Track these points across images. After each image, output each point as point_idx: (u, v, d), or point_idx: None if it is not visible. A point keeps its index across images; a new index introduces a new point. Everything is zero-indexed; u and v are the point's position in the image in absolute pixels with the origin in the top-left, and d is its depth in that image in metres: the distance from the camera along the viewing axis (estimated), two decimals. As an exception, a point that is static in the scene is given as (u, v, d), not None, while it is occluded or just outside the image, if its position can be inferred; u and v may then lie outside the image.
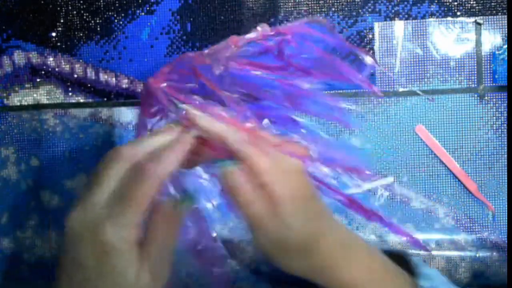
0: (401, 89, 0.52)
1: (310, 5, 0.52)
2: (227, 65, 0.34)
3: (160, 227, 0.30)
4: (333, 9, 0.52)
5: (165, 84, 0.34)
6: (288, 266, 0.33)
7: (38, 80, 0.55)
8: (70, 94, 0.55)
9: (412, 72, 0.52)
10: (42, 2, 0.54)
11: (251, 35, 0.35)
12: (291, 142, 0.33)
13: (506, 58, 0.50)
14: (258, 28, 0.35)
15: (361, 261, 0.34)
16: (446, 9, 0.51)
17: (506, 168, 0.51)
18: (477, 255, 0.51)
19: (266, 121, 0.36)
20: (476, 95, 0.51)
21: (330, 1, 0.52)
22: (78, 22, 0.54)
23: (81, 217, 0.29)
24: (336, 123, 0.43)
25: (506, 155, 0.51)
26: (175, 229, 0.31)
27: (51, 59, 0.55)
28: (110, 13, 0.54)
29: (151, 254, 0.29)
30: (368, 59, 0.36)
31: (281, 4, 0.52)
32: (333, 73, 0.36)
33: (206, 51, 0.35)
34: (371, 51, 0.52)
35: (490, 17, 0.51)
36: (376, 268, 0.35)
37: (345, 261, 0.33)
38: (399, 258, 0.38)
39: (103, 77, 0.54)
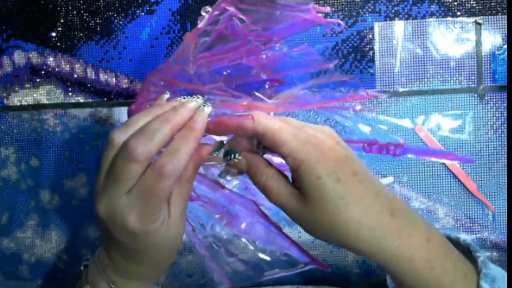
0: (401, 89, 0.52)
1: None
2: (196, 62, 0.35)
3: (184, 188, 0.34)
4: (333, 9, 0.52)
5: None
6: (329, 236, 0.31)
7: (38, 80, 0.55)
8: (70, 94, 0.55)
9: (412, 72, 0.52)
10: (42, 2, 0.54)
11: (201, 25, 0.36)
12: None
13: (506, 58, 0.50)
14: (203, 13, 0.36)
15: (416, 236, 0.30)
16: (446, 9, 0.51)
17: (506, 168, 0.51)
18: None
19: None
20: (476, 95, 0.51)
21: (330, 1, 0.52)
22: (78, 22, 0.54)
23: (107, 207, 0.31)
24: (317, 69, 0.43)
25: (506, 155, 0.51)
26: (192, 185, 0.34)
27: (51, 59, 0.55)
28: (110, 13, 0.54)
29: (178, 212, 0.33)
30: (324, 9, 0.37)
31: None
32: (289, 26, 0.36)
33: (170, 58, 0.36)
34: (371, 51, 0.52)
35: (490, 17, 0.51)
36: (434, 249, 0.30)
37: (394, 230, 0.30)
38: (464, 252, 0.34)
39: (103, 77, 0.54)
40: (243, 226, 0.37)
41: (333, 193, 0.29)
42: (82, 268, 0.38)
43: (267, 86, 0.38)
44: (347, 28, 0.52)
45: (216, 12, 0.36)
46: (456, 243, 0.35)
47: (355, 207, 0.30)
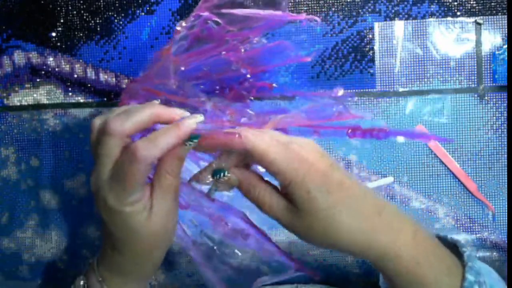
0: (401, 89, 0.52)
1: (310, 5, 0.52)
2: (177, 78, 0.35)
3: (164, 180, 0.34)
4: (333, 9, 0.52)
5: None
6: (322, 242, 0.33)
7: (38, 80, 0.55)
8: (70, 94, 0.55)
9: (412, 72, 0.52)
10: (42, 2, 0.54)
11: (176, 36, 0.36)
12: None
13: (506, 58, 0.50)
14: (178, 28, 0.36)
15: (403, 232, 0.32)
16: (446, 9, 0.51)
17: (506, 168, 0.51)
18: (477, 255, 0.51)
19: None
20: (476, 95, 0.51)
21: (330, 1, 0.52)
22: (78, 22, 0.54)
23: (93, 182, 0.34)
24: (294, 62, 0.43)
25: (506, 155, 0.51)
26: (177, 180, 0.34)
27: (51, 59, 0.55)
28: (110, 13, 0.54)
29: (160, 205, 0.34)
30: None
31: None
32: (266, 24, 0.37)
33: (150, 71, 0.37)
34: (371, 51, 0.52)
35: (490, 17, 0.51)
36: (420, 244, 0.32)
37: (383, 229, 0.32)
38: (451, 247, 0.35)
39: (103, 77, 0.54)
40: (231, 232, 0.37)
41: (323, 204, 0.31)
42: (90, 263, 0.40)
43: (248, 76, 0.39)
44: (347, 28, 0.52)
45: (192, 19, 0.36)
46: (444, 241, 0.36)
47: (346, 214, 0.31)
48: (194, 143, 0.32)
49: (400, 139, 0.37)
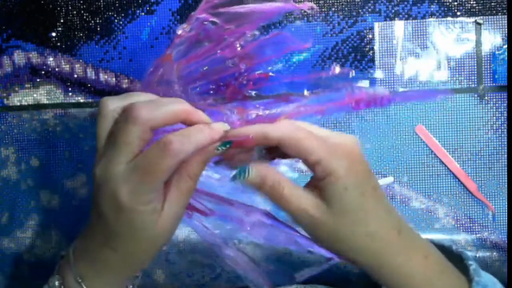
0: (401, 89, 0.52)
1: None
2: (178, 81, 0.35)
3: (184, 183, 0.31)
4: (333, 9, 0.52)
5: None
6: (342, 247, 0.31)
7: (38, 80, 0.55)
8: (70, 94, 0.55)
9: (411, 72, 0.52)
10: (42, 2, 0.54)
11: (176, 40, 0.36)
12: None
13: (506, 58, 0.50)
14: (179, 32, 0.36)
15: (416, 254, 0.31)
16: (446, 9, 0.51)
17: (506, 168, 0.51)
18: (477, 255, 0.51)
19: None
20: (476, 95, 0.51)
21: (330, 1, 0.52)
22: (78, 22, 0.54)
23: (103, 172, 0.30)
24: (293, 50, 0.43)
25: (506, 155, 0.51)
26: (196, 184, 0.32)
27: (51, 59, 0.55)
28: (110, 13, 0.54)
29: (172, 210, 0.31)
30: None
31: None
32: (259, 16, 0.37)
33: (152, 78, 0.36)
34: (371, 51, 0.52)
35: (490, 17, 0.51)
36: (431, 266, 0.32)
37: (399, 248, 0.31)
38: (455, 259, 0.35)
39: (103, 77, 0.54)
40: (248, 228, 0.37)
41: (357, 206, 0.30)
42: (60, 259, 0.36)
43: (243, 69, 0.38)
44: (347, 28, 0.52)
45: (192, 21, 0.36)
46: (449, 251, 0.35)
47: (375, 221, 0.30)
48: (224, 149, 0.30)
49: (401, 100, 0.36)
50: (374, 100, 0.35)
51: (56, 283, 0.34)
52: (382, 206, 0.31)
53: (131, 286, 0.38)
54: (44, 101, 0.55)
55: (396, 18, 0.52)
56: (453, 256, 0.35)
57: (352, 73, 0.37)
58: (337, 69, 0.37)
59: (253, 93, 0.39)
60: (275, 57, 0.39)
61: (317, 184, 0.31)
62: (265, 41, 0.38)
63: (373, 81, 0.52)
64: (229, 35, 0.37)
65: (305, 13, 0.52)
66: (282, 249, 0.39)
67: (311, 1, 0.52)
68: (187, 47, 0.36)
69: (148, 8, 0.53)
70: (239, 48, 0.37)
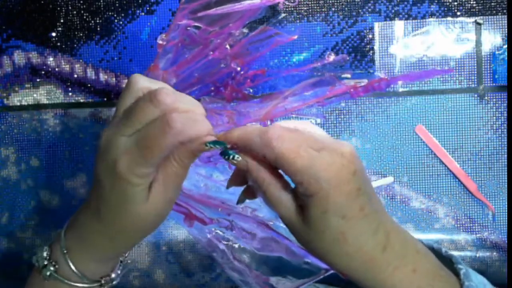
0: (401, 89, 0.52)
1: (310, 5, 0.52)
2: (174, 88, 0.35)
3: (170, 167, 0.32)
4: (333, 9, 0.52)
5: None
6: (320, 257, 0.32)
7: (38, 80, 0.55)
8: (70, 94, 0.55)
9: (411, 72, 0.52)
10: (42, 2, 0.54)
11: (159, 50, 0.36)
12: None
13: (506, 58, 0.50)
14: (159, 41, 0.36)
15: (402, 268, 0.31)
16: (446, 9, 0.51)
17: (506, 168, 0.51)
18: (477, 255, 0.51)
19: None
20: (476, 95, 0.51)
21: (330, 1, 0.52)
22: (78, 22, 0.54)
23: (108, 140, 0.31)
24: (281, 44, 0.42)
25: (506, 155, 0.51)
26: (184, 172, 0.32)
27: (51, 59, 0.55)
28: (110, 13, 0.54)
29: (160, 190, 0.32)
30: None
31: (281, 4, 0.52)
32: (244, 15, 0.37)
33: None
34: (371, 51, 0.52)
35: (490, 17, 0.51)
36: (418, 280, 0.31)
37: (383, 265, 0.31)
38: (446, 263, 0.34)
39: (103, 77, 0.54)
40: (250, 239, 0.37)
41: (334, 229, 0.30)
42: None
43: (238, 69, 0.38)
44: (347, 28, 0.52)
45: (172, 29, 0.36)
46: (439, 255, 0.35)
47: (353, 243, 0.30)
48: (212, 148, 0.30)
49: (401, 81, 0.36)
50: (372, 86, 0.34)
51: (44, 253, 0.35)
52: (366, 225, 0.30)
53: (118, 271, 0.38)
54: (44, 101, 0.55)
55: (396, 18, 0.52)
56: (443, 259, 0.34)
57: (347, 59, 0.37)
58: (332, 57, 0.37)
59: (251, 90, 0.39)
60: (266, 51, 0.39)
61: (300, 196, 0.31)
62: (253, 37, 0.38)
63: (373, 78, 0.52)
64: (215, 37, 0.37)
65: (305, 13, 0.52)
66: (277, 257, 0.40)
67: (311, 2, 0.52)
68: (175, 54, 0.36)
69: (148, 8, 0.53)
70: (228, 48, 0.37)
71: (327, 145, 0.30)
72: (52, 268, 0.35)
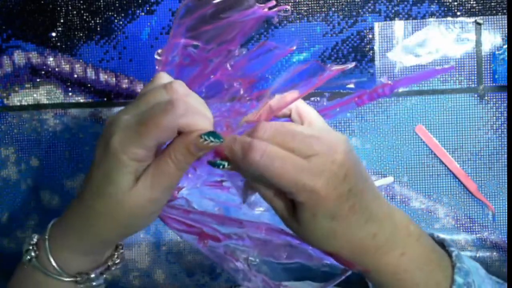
0: (401, 89, 0.52)
1: (310, 5, 0.52)
2: None
3: (163, 164, 0.31)
4: (333, 9, 0.52)
5: None
6: (313, 246, 0.33)
7: (38, 80, 0.55)
8: (70, 94, 0.55)
9: (412, 72, 0.52)
10: (42, 2, 0.54)
11: (158, 67, 0.37)
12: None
13: (506, 58, 0.50)
14: (157, 57, 0.36)
15: (390, 253, 0.32)
16: (446, 9, 0.51)
17: (506, 168, 0.51)
18: (477, 255, 0.51)
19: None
20: (476, 95, 0.51)
21: (330, 1, 0.52)
22: (78, 22, 0.54)
23: (114, 117, 0.30)
24: (283, 57, 0.43)
25: (506, 155, 0.51)
26: (176, 173, 0.31)
27: (51, 59, 0.55)
28: (110, 13, 0.54)
29: (146, 185, 0.31)
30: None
31: (281, 4, 0.52)
32: (241, 32, 0.37)
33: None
34: (371, 51, 0.52)
35: (490, 17, 0.51)
36: (405, 263, 0.32)
37: (371, 250, 0.32)
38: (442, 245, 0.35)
39: (103, 77, 0.54)
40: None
41: (325, 229, 0.31)
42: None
43: (242, 91, 0.38)
44: (347, 28, 0.52)
45: (170, 52, 0.36)
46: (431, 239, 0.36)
47: (343, 237, 0.31)
48: (211, 142, 0.29)
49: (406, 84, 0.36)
50: (376, 93, 0.34)
51: (34, 240, 0.35)
52: (356, 221, 0.31)
53: (99, 273, 0.37)
54: (44, 101, 0.55)
55: (396, 18, 0.52)
56: (436, 243, 0.36)
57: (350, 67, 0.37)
58: (334, 68, 0.36)
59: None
60: (268, 67, 0.39)
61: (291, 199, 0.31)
62: (253, 53, 0.38)
63: (372, 80, 0.52)
64: (214, 56, 0.37)
65: (305, 13, 0.52)
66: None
67: (311, 2, 0.52)
68: (175, 76, 0.36)
69: (148, 8, 0.53)
70: (230, 69, 0.37)
71: (318, 150, 0.30)
72: (33, 254, 0.34)
